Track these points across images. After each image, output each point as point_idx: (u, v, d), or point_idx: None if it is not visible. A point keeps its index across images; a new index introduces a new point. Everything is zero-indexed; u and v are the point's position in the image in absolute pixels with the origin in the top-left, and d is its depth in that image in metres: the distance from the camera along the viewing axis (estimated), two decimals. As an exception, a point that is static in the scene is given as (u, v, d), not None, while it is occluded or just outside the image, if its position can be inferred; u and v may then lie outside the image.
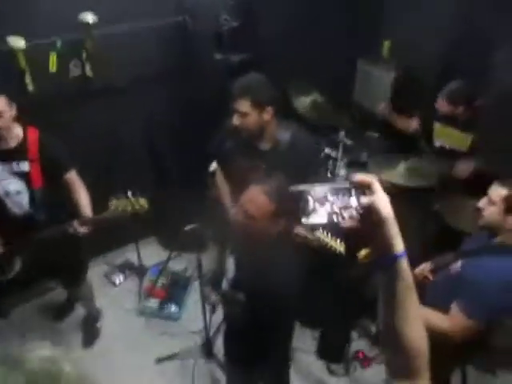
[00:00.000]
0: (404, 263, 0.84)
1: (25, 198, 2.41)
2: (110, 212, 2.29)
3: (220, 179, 2.62)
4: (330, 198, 0.84)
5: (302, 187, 0.84)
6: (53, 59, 2.58)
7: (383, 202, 0.82)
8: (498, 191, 1.81)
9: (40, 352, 0.75)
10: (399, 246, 0.83)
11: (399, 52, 3.60)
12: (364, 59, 3.65)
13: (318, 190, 0.83)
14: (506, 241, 1.82)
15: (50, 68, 2.60)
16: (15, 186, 2.37)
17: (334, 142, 3.23)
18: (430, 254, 2.05)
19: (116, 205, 2.28)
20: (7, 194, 2.37)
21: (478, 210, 1.87)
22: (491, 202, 1.82)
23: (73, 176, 2.48)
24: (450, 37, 3.21)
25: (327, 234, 2.15)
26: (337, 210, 0.84)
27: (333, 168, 3.13)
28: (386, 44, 3.63)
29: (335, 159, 3.13)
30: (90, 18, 2.49)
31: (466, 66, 3.13)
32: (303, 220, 0.85)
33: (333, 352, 2.91)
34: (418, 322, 0.88)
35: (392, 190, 2.68)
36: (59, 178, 2.45)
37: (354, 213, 0.83)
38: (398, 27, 3.55)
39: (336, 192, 0.84)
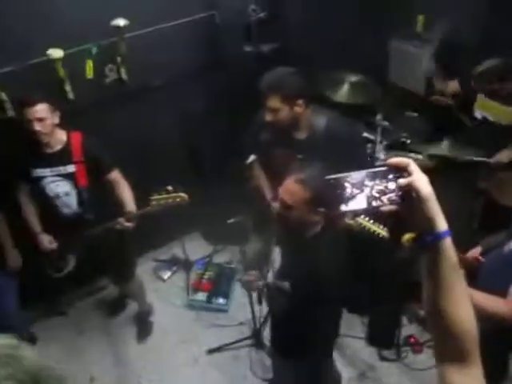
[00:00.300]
0: (448, 242, 0.82)
1: (73, 199, 2.54)
2: (153, 206, 2.40)
3: (258, 170, 2.63)
4: (368, 183, 0.83)
5: (338, 175, 0.84)
6: (89, 66, 2.66)
7: (422, 182, 0.81)
8: None
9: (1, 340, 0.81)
10: (442, 224, 0.82)
11: (435, 26, 3.45)
12: (397, 37, 3.53)
13: (355, 176, 0.83)
14: None
15: (87, 75, 2.68)
16: (63, 187, 2.50)
17: (372, 125, 3.16)
18: (478, 231, 1.97)
19: (157, 199, 2.38)
20: (57, 195, 2.51)
21: None
22: None
23: (116, 175, 2.59)
24: (487, 7, 3.04)
25: (369, 219, 2.12)
26: (376, 194, 0.83)
27: (372, 151, 3.06)
28: (420, 18, 3.49)
29: (374, 142, 3.07)
30: (121, 22, 2.54)
31: (506, 37, 2.97)
32: (342, 207, 0.84)
33: (383, 338, 2.87)
34: (466, 302, 0.85)
35: (431, 168, 2.61)
36: (103, 178, 2.57)
37: (394, 196, 0.83)
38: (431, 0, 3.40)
39: (373, 177, 0.83)
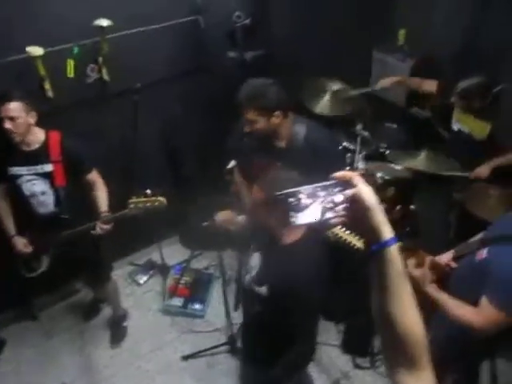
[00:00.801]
0: (394, 249, 0.85)
1: (50, 198, 2.50)
2: (130, 209, 2.39)
3: (238, 176, 2.63)
4: (320, 196, 0.86)
5: (289, 190, 0.86)
6: (70, 65, 2.62)
7: (366, 193, 0.85)
8: None
9: None
10: (388, 233, 0.85)
11: (415, 40, 3.54)
12: (379, 49, 3.61)
13: (308, 190, 0.86)
14: None
15: (68, 74, 2.64)
16: (40, 186, 2.46)
17: (352, 134, 3.21)
18: (454, 241, 2.01)
19: (135, 202, 2.38)
20: (33, 194, 2.47)
21: None
22: None
23: (94, 176, 2.59)
24: (466, 23, 3.14)
25: (345, 230, 2.15)
26: (328, 206, 0.86)
27: (351, 161, 3.11)
28: (402, 32, 3.57)
29: (353, 152, 3.11)
30: (104, 22, 2.52)
31: (483, 53, 3.06)
32: (293, 220, 0.87)
33: (358, 346, 2.90)
34: (413, 308, 0.88)
35: (378, 182, 2.68)
36: (81, 178, 2.55)
37: (342, 207, 0.87)
38: (413, 14, 3.49)
39: (325, 190, 0.87)
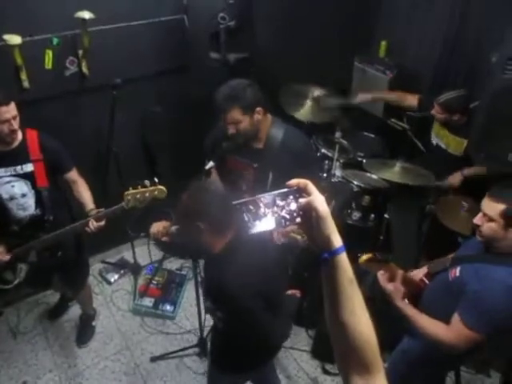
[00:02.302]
0: (343, 257, 0.88)
1: (31, 200, 2.36)
2: (128, 201, 2.24)
3: (214, 177, 2.62)
4: (271, 205, 0.88)
5: (241, 201, 0.88)
6: (49, 56, 2.56)
7: (319, 201, 0.87)
8: (492, 207, 1.73)
9: None
10: (337, 241, 0.88)
11: (396, 52, 3.62)
12: (361, 59, 3.66)
13: (258, 200, 0.88)
14: (503, 249, 1.76)
15: (46, 65, 2.58)
16: (20, 188, 2.32)
17: (331, 142, 3.24)
18: (425, 252, 2.04)
19: (133, 193, 2.22)
20: (12, 197, 2.32)
21: (476, 226, 1.81)
22: (488, 219, 1.74)
23: (74, 174, 2.48)
24: (446, 37, 3.22)
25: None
26: (284, 214, 0.88)
27: (329, 168, 3.14)
28: (383, 44, 3.64)
29: (331, 159, 3.14)
30: (86, 14, 2.47)
31: (461, 68, 3.15)
32: (250, 230, 0.88)
33: (328, 351, 2.91)
34: (364, 314, 0.90)
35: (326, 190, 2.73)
36: (61, 178, 2.45)
37: (295, 215, 0.88)
38: (395, 27, 3.56)
39: (280, 197, 0.88)
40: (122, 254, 3.61)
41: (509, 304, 1.66)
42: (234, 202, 0.88)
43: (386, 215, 2.98)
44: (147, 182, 2.22)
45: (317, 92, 3.24)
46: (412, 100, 3.13)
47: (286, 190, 0.88)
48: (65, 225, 2.37)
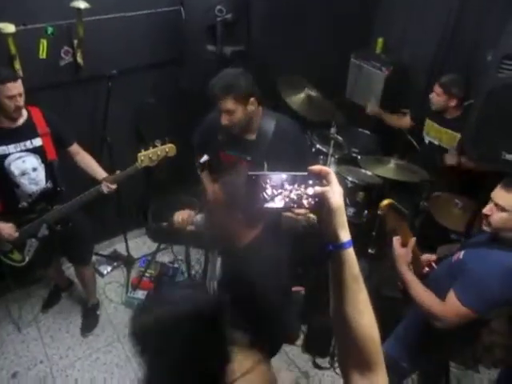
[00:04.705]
0: (349, 252, 0.87)
1: (41, 174, 2.44)
2: (141, 161, 2.34)
3: (205, 172, 2.60)
4: (288, 185, 0.87)
5: (259, 173, 0.87)
6: (43, 45, 2.54)
7: (335, 193, 0.86)
8: (505, 197, 1.75)
9: None
10: (346, 236, 0.87)
11: (392, 49, 3.62)
12: (357, 55, 3.66)
13: (276, 177, 0.87)
14: (508, 236, 1.79)
15: (40, 54, 2.56)
16: (31, 163, 2.39)
17: (326, 137, 3.24)
18: (419, 249, 2.05)
19: (145, 154, 2.32)
20: (24, 172, 2.38)
21: (485, 216, 1.82)
22: (500, 209, 1.75)
23: (76, 147, 2.58)
24: (443, 35, 3.23)
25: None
26: (294, 196, 0.87)
27: (324, 163, 3.14)
28: (380, 41, 3.64)
29: (326, 155, 3.14)
30: (81, 4, 2.44)
31: (457, 66, 3.15)
32: (259, 205, 0.87)
33: (319, 346, 2.93)
34: (369, 311, 0.89)
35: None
36: (65, 150, 2.54)
37: (311, 201, 0.87)
38: (392, 25, 3.56)
39: (294, 180, 0.87)
40: (114, 247, 3.60)
41: (504, 284, 1.70)
42: (250, 173, 0.87)
43: (379, 211, 2.98)
44: (158, 142, 2.32)
45: (311, 89, 3.24)
46: (405, 121, 3.32)
47: (305, 173, 0.87)
48: (76, 195, 2.44)
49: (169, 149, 2.36)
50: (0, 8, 2.35)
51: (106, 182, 2.43)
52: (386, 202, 1.87)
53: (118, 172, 2.47)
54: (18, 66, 2.50)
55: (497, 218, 1.78)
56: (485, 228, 1.85)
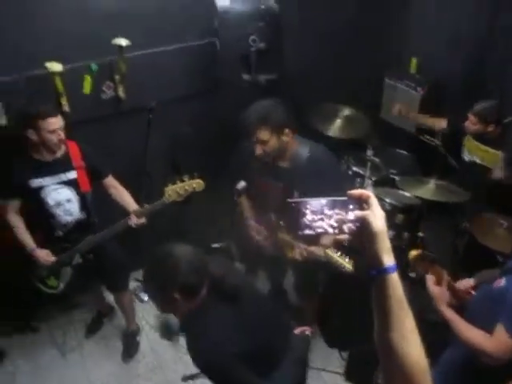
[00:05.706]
0: (393, 277, 0.84)
1: (75, 205, 2.54)
2: (170, 196, 2.37)
3: (243, 197, 2.64)
4: (328, 211, 0.86)
5: (299, 200, 0.86)
6: (87, 81, 2.68)
7: (377, 217, 0.84)
8: None
9: None
10: (389, 259, 0.85)
11: (426, 69, 3.58)
12: (391, 76, 3.65)
13: (315, 203, 0.86)
14: None
15: (85, 90, 2.70)
16: (65, 194, 2.49)
17: (362, 159, 3.22)
18: (461, 269, 1.98)
19: (172, 189, 2.35)
20: (58, 203, 2.49)
21: None
22: None
23: (112, 179, 2.65)
24: (476, 54, 3.18)
25: (337, 252, 2.15)
26: (333, 223, 0.86)
27: (361, 186, 3.11)
28: (414, 61, 3.62)
29: (363, 177, 3.11)
30: (123, 41, 2.58)
31: (492, 84, 3.09)
32: (299, 232, 0.87)
33: (361, 374, 2.84)
34: (415, 336, 0.86)
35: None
36: (100, 183, 2.62)
37: (350, 225, 0.85)
38: (425, 44, 3.54)
39: (334, 205, 0.86)
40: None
41: None
42: (290, 200, 0.86)
43: (420, 233, 2.91)
44: (186, 177, 2.34)
45: (347, 111, 3.25)
46: (441, 122, 3.16)
47: (344, 198, 0.86)
48: (109, 225, 2.52)
49: (196, 184, 2.35)
50: (48, 47, 2.51)
51: (133, 216, 2.50)
52: (414, 252, 1.84)
53: (146, 206, 2.52)
54: (64, 101, 2.64)
55: None
56: None
